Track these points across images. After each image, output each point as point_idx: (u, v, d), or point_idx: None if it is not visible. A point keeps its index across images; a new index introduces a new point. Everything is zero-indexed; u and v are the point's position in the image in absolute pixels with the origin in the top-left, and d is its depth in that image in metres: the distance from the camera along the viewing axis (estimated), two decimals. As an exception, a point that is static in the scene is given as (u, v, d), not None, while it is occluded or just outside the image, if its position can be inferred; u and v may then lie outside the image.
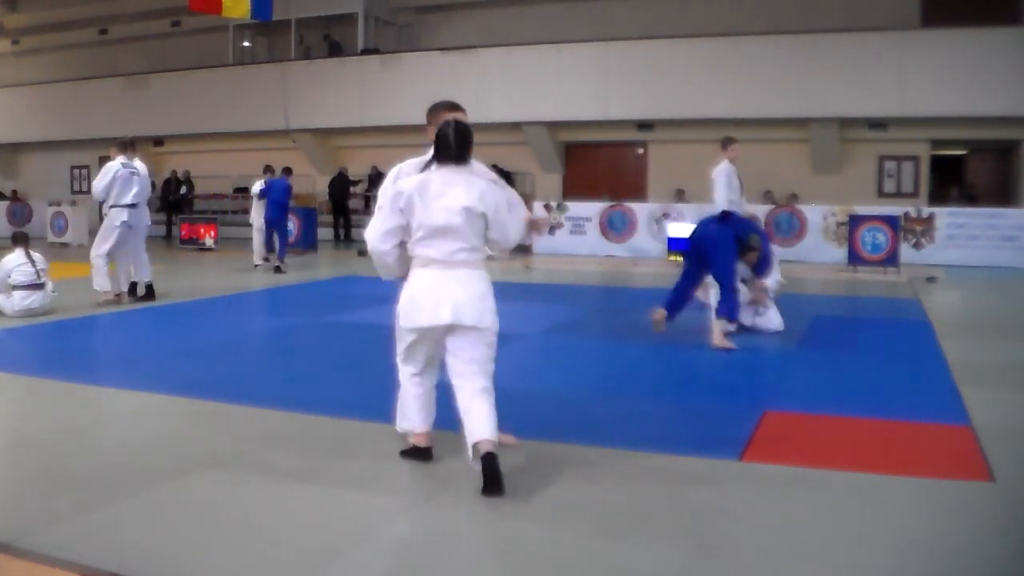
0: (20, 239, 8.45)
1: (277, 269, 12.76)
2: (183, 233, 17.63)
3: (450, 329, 3.57)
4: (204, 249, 16.58)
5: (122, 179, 8.83)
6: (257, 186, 13.45)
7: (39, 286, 8.14)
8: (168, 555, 2.90)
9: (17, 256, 8.15)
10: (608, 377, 5.80)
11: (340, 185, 19.40)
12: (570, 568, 2.87)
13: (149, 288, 9.28)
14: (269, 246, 13.29)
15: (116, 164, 8.89)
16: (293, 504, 3.36)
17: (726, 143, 7.55)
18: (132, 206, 8.89)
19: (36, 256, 8.27)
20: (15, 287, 8.01)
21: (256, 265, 13.20)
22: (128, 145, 9.16)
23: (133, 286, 9.25)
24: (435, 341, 3.69)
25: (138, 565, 2.80)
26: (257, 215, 13.47)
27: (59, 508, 3.28)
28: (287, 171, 13.81)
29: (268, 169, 13.52)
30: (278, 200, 13.19)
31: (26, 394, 5.25)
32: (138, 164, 9.08)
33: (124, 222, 8.86)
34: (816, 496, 3.48)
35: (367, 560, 2.90)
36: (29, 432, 4.43)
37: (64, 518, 3.19)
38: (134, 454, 4.01)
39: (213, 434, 4.34)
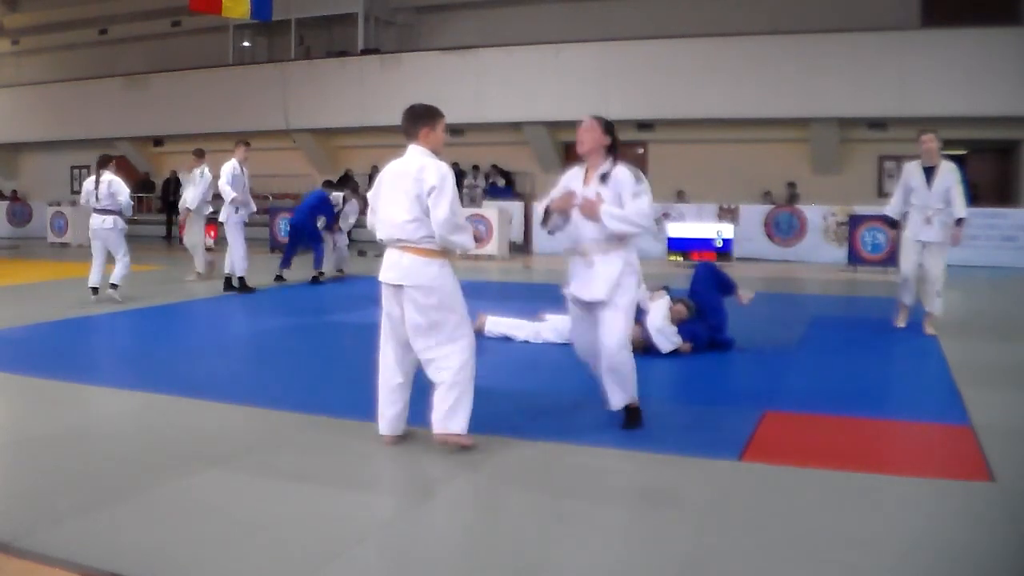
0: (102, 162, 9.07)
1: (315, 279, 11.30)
2: (183, 233, 17.55)
3: None
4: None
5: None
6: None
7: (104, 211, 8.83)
8: (168, 555, 2.90)
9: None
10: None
11: (347, 185, 19.37)
12: (570, 567, 2.87)
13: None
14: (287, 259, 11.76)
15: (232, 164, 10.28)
16: (293, 504, 3.37)
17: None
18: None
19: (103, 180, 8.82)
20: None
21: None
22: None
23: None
24: None
25: (138, 565, 2.80)
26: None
27: (59, 508, 3.29)
28: (327, 184, 13.26)
29: (328, 184, 13.48)
30: (300, 207, 12.04)
31: (26, 394, 5.25)
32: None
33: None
34: (816, 496, 3.48)
35: (367, 560, 2.90)
36: (29, 432, 4.43)
37: (64, 518, 3.19)
38: (134, 454, 4.01)
39: (213, 434, 4.35)
